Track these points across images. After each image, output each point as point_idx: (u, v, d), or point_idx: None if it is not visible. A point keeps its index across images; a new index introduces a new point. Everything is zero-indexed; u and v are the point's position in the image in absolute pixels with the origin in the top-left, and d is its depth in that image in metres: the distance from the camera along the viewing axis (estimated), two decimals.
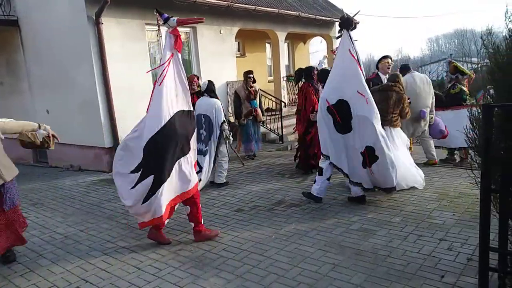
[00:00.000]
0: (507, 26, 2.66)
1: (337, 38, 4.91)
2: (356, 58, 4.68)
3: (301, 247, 3.85)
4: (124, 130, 7.70)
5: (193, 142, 4.14)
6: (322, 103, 4.91)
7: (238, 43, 12.73)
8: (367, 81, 5.60)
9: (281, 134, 9.90)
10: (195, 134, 4.17)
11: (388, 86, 5.40)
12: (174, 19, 4.00)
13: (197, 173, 5.79)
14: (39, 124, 3.98)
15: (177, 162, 3.94)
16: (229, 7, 9.20)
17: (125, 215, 5.17)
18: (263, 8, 10.18)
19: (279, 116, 10.12)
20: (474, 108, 2.82)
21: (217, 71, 9.65)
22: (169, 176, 3.85)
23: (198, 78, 6.15)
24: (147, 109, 3.96)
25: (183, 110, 4.04)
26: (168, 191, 3.89)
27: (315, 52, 16.02)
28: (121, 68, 7.67)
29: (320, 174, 5.01)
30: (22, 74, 9.10)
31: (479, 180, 2.54)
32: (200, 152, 5.69)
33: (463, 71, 6.70)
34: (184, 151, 4.01)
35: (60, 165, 8.74)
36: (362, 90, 4.67)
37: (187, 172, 4.01)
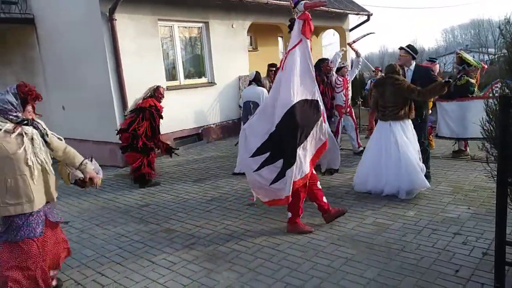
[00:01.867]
0: None
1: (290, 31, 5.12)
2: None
3: (314, 241, 3.85)
4: None
5: (313, 134, 3.95)
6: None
7: (250, 37, 12.70)
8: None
9: None
10: (318, 125, 3.96)
11: (380, 80, 5.29)
12: (302, 3, 3.83)
13: None
14: (82, 162, 3.35)
15: (296, 152, 3.85)
16: (241, 1, 9.16)
17: (140, 209, 5.24)
18: (276, 1, 10.10)
19: None
20: (490, 100, 2.76)
21: (229, 66, 9.66)
22: (294, 163, 3.81)
23: (163, 89, 6.43)
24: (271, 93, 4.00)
25: (306, 100, 3.87)
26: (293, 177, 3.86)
27: (328, 45, 15.84)
28: (135, 64, 7.74)
29: None
30: (38, 71, 9.25)
31: (495, 173, 2.50)
32: None
33: (469, 62, 6.58)
34: (303, 142, 3.88)
35: None
36: (317, 90, 5.14)
37: (298, 162, 3.88)
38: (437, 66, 7.30)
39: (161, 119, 6.27)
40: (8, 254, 2.96)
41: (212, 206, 5.12)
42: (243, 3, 9.37)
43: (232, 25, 9.74)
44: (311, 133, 3.92)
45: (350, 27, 14.10)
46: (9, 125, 2.91)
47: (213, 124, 9.57)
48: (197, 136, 9.30)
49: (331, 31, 14.76)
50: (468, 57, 6.79)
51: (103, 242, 4.26)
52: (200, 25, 9.26)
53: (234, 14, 9.70)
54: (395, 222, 4.13)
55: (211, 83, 9.47)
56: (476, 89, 6.49)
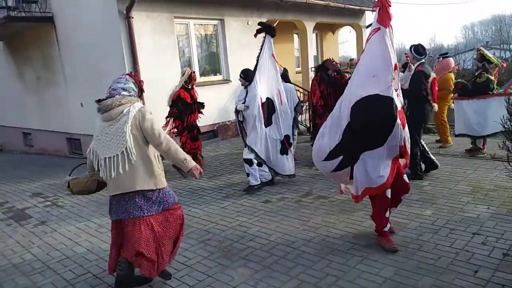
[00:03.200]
0: None
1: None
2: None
3: (329, 239, 3.83)
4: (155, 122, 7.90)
5: (390, 137, 3.36)
6: (257, 100, 5.39)
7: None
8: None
9: (309, 125, 9.82)
10: (396, 128, 3.33)
11: None
12: None
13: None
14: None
15: (362, 154, 3.46)
16: None
17: None
18: None
19: (307, 107, 10.03)
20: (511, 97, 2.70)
21: (245, 62, 9.60)
22: (352, 164, 3.50)
23: (194, 73, 6.49)
24: None
25: (377, 95, 3.28)
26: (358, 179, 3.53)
27: (344, 42, 15.72)
28: (151, 61, 7.82)
29: (251, 165, 5.51)
30: (57, 69, 9.43)
31: None
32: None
33: (490, 59, 6.44)
34: (369, 144, 3.41)
35: None
36: (281, 90, 5.61)
37: (369, 169, 3.45)
38: (450, 60, 7.14)
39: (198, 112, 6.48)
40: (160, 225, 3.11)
41: (227, 202, 5.14)
42: (258, 0, 9.36)
43: (247, 22, 9.73)
44: (387, 137, 3.36)
45: (367, 24, 13.94)
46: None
47: (228, 121, 9.59)
48: (212, 133, 9.35)
49: (348, 28, 14.62)
50: (489, 54, 6.65)
51: None
52: (215, 22, 9.29)
53: (250, 11, 9.69)
54: (412, 221, 4.08)
55: (227, 81, 9.50)
56: (495, 86, 6.36)
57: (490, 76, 6.34)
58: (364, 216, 4.29)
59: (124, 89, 3.11)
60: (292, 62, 13.79)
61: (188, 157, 3.06)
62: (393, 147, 3.42)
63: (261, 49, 5.55)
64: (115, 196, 3.07)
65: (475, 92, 6.35)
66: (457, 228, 3.83)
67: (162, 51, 8.05)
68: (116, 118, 2.96)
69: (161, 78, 7.98)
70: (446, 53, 7.70)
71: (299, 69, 13.09)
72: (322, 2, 11.07)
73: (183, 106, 6.36)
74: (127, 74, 3.28)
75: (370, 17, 13.84)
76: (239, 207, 4.92)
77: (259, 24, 5.60)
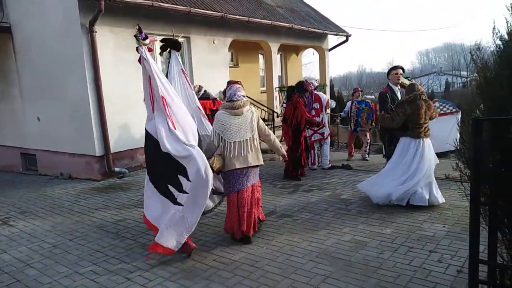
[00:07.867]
0: (494, 42, 2.73)
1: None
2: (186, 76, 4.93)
3: (293, 258, 3.84)
4: (115, 138, 7.70)
5: None
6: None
7: (232, 53, 12.80)
8: (382, 95, 5.91)
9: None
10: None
11: (416, 96, 5.18)
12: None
13: None
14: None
15: None
16: (223, 18, 9.27)
17: (115, 224, 5.12)
18: (257, 19, 10.27)
19: (272, 126, 10.15)
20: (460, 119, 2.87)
21: (210, 81, 9.65)
22: None
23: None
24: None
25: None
26: None
27: (307, 64, 16.16)
28: (114, 77, 7.65)
29: None
30: (13, 81, 9.03)
31: (469, 192, 2.57)
32: None
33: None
34: None
35: (49, 173, 8.64)
36: (200, 106, 4.88)
37: None
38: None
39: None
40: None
41: None
42: (225, 20, 9.47)
43: (213, 41, 9.80)
44: None
45: (330, 47, 14.43)
46: None
47: None
48: None
49: (311, 50, 15.06)
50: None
51: (77, 258, 4.13)
52: (181, 40, 9.28)
53: (216, 30, 9.78)
54: (372, 240, 4.17)
55: None
56: None
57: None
58: (327, 235, 4.35)
59: (243, 96, 4.32)
60: (257, 81, 13.98)
61: (280, 145, 4.73)
62: None
63: (168, 66, 4.95)
64: (240, 169, 4.14)
65: None
66: (415, 246, 3.96)
67: (125, 66, 7.90)
68: (244, 114, 4.18)
69: (123, 93, 7.83)
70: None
71: (264, 88, 13.28)
72: (286, 24, 11.37)
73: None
74: (237, 83, 4.50)
75: (332, 41, 14.37)
76: (202, 227, 4.84)
77: (162, 41, 4.86)
